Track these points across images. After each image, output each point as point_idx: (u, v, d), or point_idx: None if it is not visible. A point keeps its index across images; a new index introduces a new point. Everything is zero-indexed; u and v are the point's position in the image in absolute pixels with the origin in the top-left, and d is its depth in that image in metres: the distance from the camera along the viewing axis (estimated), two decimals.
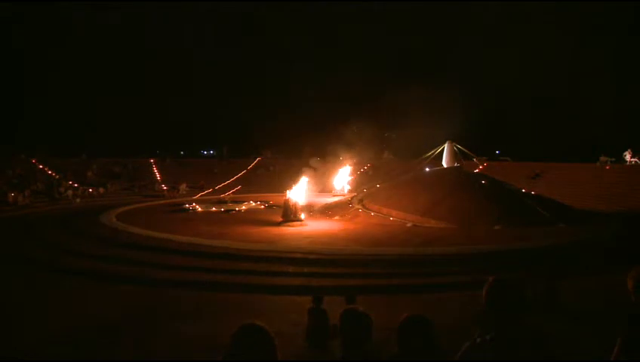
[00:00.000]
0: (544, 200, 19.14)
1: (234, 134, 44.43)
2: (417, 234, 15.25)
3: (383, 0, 46.79)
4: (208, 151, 50.41)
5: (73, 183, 30.63)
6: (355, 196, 22.27)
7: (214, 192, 31.90)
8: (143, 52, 49.22)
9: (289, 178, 21.09)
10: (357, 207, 19.80)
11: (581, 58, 38.69)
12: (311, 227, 16.97)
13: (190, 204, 23.42)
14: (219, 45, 51.67)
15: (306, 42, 51.61)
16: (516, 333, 2.26)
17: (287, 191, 18.51)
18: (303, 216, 17.92)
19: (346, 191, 28.79)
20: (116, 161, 37.33)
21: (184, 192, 32.14)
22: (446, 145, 23.05)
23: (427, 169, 24.18)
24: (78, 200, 27.94)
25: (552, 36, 39.75)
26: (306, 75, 46.63)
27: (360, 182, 30.65)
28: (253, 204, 24.30)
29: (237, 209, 22.62)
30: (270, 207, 22.95)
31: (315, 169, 24.23)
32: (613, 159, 27.73)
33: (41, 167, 32.62)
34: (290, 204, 17.77)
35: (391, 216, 17.96)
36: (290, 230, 16.39)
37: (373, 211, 18.83)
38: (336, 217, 18.95)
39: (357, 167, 33.72)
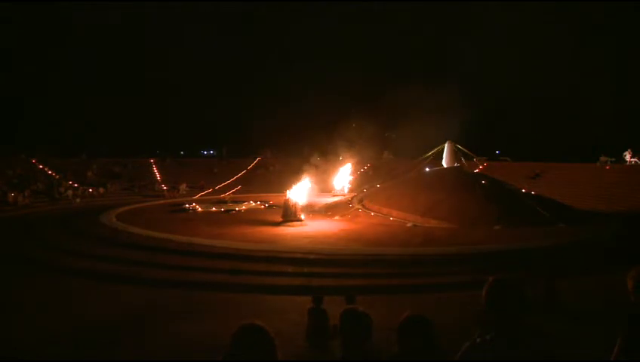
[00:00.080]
0: (544, 200, 19.13)
1: (234, 134, 44.46)
2: (417, 234, 15.25)
3: (383, 0, 46.84)
4: (208, 151, 50.45)
5: (73, 183, 30.64)
6: (355, 196, 22.28)
7: (214, 192, 31.92)
8: (143, 52, 49.28)
9: (289, 178, 21.11)
10: (357, 206, 19.81)
11: (581, 58, 38.72)
12: (311, 227, 16.96)
13: (190, 204, 23.42)
14: (219, 45, 51.72)
15: (306, 42, 51.69)
16: (516, 333, 2.26)
17: (287, 191, 18.51)
18: (303, 216, 17.91)
19: (346, 191, 28.79)
20: (116, 161, 37.35)
21: (184, 192, 32.16)
22: (446, 145, 23.04)
23: (427, 169, 24.19)
24: (78, 200, 27.95)
25: (552, 36, 39.77)
26: (306, 74, 46.68)
27: (360, 182, 30.66)
28: (253, 203, 24.30)
29: (237, 209, 22.62)
30: (270, 207, 22.95)
31: (316, 166, 24.24)
32: (613, 159, 27.73)
33: (41, 167, 32.62)
34: (290, 204, 17.76)
35: (391, 216, 17.96)
36: (290, 230, 16.38)
37: (373, 211, 18.84)
38: (337, 217, 18.95)
39: (357, 165, 33.72)
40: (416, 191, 19.35)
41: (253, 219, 19.14)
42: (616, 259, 10.54)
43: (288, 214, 17.61)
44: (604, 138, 31.72)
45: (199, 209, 22.27)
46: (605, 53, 39.31)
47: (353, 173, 31.92)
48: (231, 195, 29.95)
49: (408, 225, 16.97)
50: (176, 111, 49.94)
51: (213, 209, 22.59)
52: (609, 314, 4.16)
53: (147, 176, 36.25)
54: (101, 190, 30.81)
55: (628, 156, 27.39)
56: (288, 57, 51.56)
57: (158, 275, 11.34)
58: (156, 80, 47.77)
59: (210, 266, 11.97)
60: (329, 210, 20.35)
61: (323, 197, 24.70)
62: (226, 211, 22.05)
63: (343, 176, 30.27)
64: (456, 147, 23.41)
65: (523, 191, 20.64)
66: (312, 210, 19.90)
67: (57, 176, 31.77)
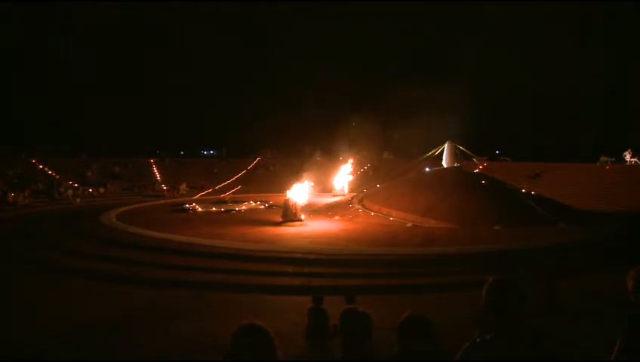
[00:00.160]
0: (544, 200, 19.13)
1: (234, 134, 44.47)
2: (417, 234, 15.25)
3: (383, 0, 46.86)
4: (208, 151, 50.44)
5: (73, 183, 30.64)
6: (355, 196, 22.28)
7: (214, 192, 31.92)
8: (143, 52, 49.29)
9: (289, 178, 21.11)
10: (357, 206, 19.81)
11: (581, 58, 38.71)
12: (311, 227, 16.96)
13: (190, 203, 23.42)
14: (219, 45, 51.71)
15: (306, 42, 51.71)
16: (516, 333, 2.26)
17: (287, 191, 18.51)
18: (303, 216, 17.91)
19: (346, 191, 28.80)
20: (116, 161, 37.34)
21: (184, 192, 32.16)
22: (446, 145, 23.04)
23: (427, 169, 24.18)
24: (78, 200, 27.95)
25: (552, 36, 39.77)
26: (306, 74, 46.68)
27: (360, 182, 30.67)
28: (253, 204, 24.30)
29: (237, 209, 22.62)
30: (270, 207, 22.95)
31: (318, 164, 24.24)
32: (613, 159, 27.72)
33: (41, 167, 32.62)
34: (290, 204, 17.76)
35: (391, 216, 17.96)
36: (290, 230, 16.38)
37: (373, 211, 18.84)
38: (337, 217, 18.94)
39: (358, 164, 33.74)
40: (416, 191, 19.34)
41: (253, 219, 19.14)
42: (616, 259, 10.53)
43: (288, 214, 17.61)
44: (604, 138, 31.72)
45: (199, 209, 22.27)
46: (605, 53, 39.35)
47: (353, 173, 31.93)
48: (231, 195, 29.95)
49: (408, 225, 16.97)
50: (176, 111, 50.00)
51: (213, 209, 22.59)
52: (609, 314, 4.16)
53: (147, 176, 36.25)
54: (101, 190, 30.81)
55: (628, 156, 27.38)
56: (288, 57, 51.61)
57: (158, 275, 11.34)
58: (156, 80, 47.84)
59: (210, 266, 11.98)
60: (329, 210, 20.34)
61: (323, 197, 24.70)
62: (226, 211, 22.06)
63: (343, 176, 30.29)
64: (456, 147, 23.41)
65: (523, 191, 20.64)
66: (312, 210, 19.90)
67: (57, 176, 31.77)
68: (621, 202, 22.12)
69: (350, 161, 31.19)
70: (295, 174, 21.32)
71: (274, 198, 24.71)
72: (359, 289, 9.21)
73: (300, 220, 17.56)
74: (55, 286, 10.57)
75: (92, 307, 9.00)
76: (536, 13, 41.79)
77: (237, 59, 51.72)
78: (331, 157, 34.17)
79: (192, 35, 49.87)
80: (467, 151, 25.14)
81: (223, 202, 25.30)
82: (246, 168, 38.28)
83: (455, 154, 23.12)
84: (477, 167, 29.86)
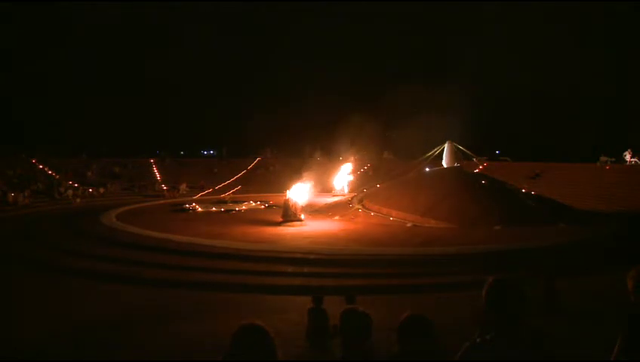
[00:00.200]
0: (544, 200, 19.14)
1: (234, 134, 44.47)
2: (417, 234, 15.25)
3: (383, 0, 46.85)
4: (208, 151, 50.43)
5: (73, 183, 30.64)
6: (355, 196, 22.27)
7: (214, 192, 31.92)
8: (143, 52, 49.28)
9: (289, 178, 21.10)
10: (357, 207, 19.81)
11: (581, 58, 38.72)
12: (311, 227, 16.96)
13: (190, 204, 23.41)
14: (219, 45, 51.73)
15: (306, 42, 51.71)
16: (516, 333, 2.26)
17: (287, 191, 18.50)
18: (303, 216, 17.91)
19: (346, 191, 28.79)
20: (116, 161, 37.34)
21: (184, 192, 32.15)
22: (446, 145, 23.03)
23: (427, 169, 24.17)
24: (78, 200, 27.95)
25: (552, 36, 39.78)
26: (306, 74, 46.69)
27: (360, 182, 30.66)
28: (253, 203, 24.30)
29: (237, 209, 22.62)
30: (270, 207, 22.95)
31: (318, 163, 24.22)
32: (613, 159, 27.72)
33: (41, 167, 32.62)
34: (290, 204, 17.76)
35: (391, 216, 17.96)
36: (290, 230, 16.38)
37: (373, 211, 18.84)
38: (336, 217, 18.94)
39: (358, 164, 33.73)
40: (416, 191, 19.34)
41: (253, 219, 19.14)
42: (616, 259, 10.54)
43: (288, 214, 17.61)
44: (604, 138, 31.72)
45: (199, 209, 22.27)
46: (605, 53, 39.35)
47: (353, 172, 31.92)
48: (231, 195, 29.94)
49: (408, 225, 16.97)
50: (176, 111, 50.00)
51: (214, 209, 22.58)
52: (609, 314, 4.16)
53: (147, 176, 36.24)
54: (101, 190, 30.80)
55: (628, 156, 27.39)
56: (288, 57, 51.61)
57: (158, 275, 11.34)
58: (156, 80, 47.81)
59: (210, 266, 11.98)
60: (329, 210, 20.34)
61: (323, 197, 24.70)
62: (226, 211, 22.05)
63: (343, 176, 30.27)
64: (456, 147, 23.40)
65: (523, 191, 20.64)
66: (312, 210, 19.90)
67: (57, 176, 31.77)
68: (621, 202, 22.12)
69: (350, 161, 31.16)
70: (295, 174, 21.30)
71: (274, 198, 24.70)
72: (359, 289, 9.21)
73: (300, 220, 17.56)
74: (55, 286, 10.57)
75: (92, 307, 9.00)
76: (536, 13, 41.84)
77: (237, 59, 51.81)
78: (331, 157, 34.18)
79: (192, 35, 49.94)
80: (467, 151, 25.13)
81: (223, 202, 25.30)
82: (246, 168, 38.28)
83: (455, 154, 23.12)
84: (477, 167, 29.87)
